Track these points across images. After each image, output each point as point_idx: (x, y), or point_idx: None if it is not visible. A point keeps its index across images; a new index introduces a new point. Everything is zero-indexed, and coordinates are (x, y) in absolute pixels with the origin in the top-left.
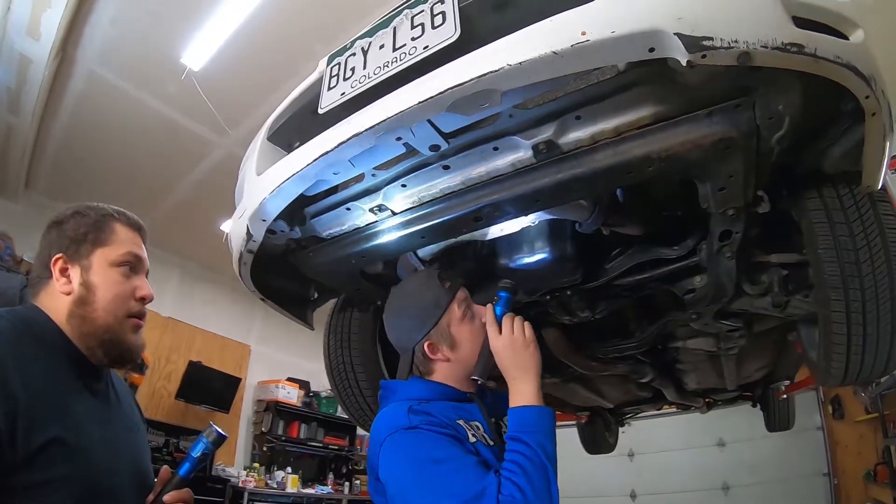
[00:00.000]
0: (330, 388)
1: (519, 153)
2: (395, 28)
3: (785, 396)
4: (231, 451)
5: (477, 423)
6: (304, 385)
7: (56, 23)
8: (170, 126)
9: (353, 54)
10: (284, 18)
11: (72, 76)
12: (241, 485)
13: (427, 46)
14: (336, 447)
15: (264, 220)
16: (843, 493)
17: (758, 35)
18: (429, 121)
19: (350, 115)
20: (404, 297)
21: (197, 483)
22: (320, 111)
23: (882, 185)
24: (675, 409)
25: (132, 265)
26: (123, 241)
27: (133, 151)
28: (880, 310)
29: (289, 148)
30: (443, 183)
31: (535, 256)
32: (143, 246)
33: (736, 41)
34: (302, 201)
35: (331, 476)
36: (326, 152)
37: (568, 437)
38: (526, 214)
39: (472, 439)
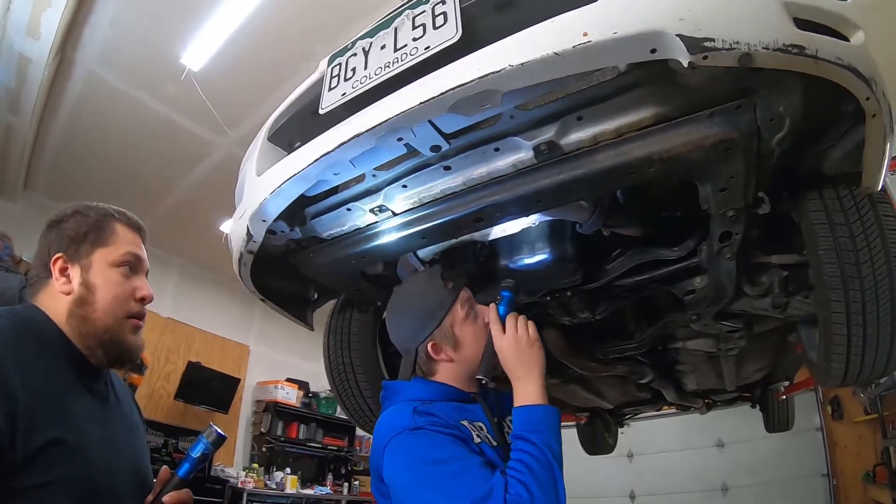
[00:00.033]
0: (329, 388)
1: (520, 154)
2: (396, 28)
3: (784, 397)
4: (230, 451)
5: (480, 424)
6: (303, 386)
7: (56, 23)
8: (169, 126)
9: (355, 55)
10: (284, 18)
11: (71, 76)
12: (240, 485)
13: (428, 47)
14: (335, 448)
15: (264, 221)
16: (841, 493)
17: (759, 36)
18: (430, 121)
19: (351, 115)
20: (407, 298)
21: (196, 483)
22: (321, 111)
23: (882, 187)
24: (674, 410)
25: (132, 265)
26: (124, 242)
27: (132, 152)
28: (880, 311)
29: (289, 148)
30: (444, 184)
31: (535, 257)
32: (142, 246)
33: (737, 42)
34: (302, 202)
35: (330, 477)
36: (327, 153)
37: (567, 438)
38: (527, 215)
39: (477, 440)
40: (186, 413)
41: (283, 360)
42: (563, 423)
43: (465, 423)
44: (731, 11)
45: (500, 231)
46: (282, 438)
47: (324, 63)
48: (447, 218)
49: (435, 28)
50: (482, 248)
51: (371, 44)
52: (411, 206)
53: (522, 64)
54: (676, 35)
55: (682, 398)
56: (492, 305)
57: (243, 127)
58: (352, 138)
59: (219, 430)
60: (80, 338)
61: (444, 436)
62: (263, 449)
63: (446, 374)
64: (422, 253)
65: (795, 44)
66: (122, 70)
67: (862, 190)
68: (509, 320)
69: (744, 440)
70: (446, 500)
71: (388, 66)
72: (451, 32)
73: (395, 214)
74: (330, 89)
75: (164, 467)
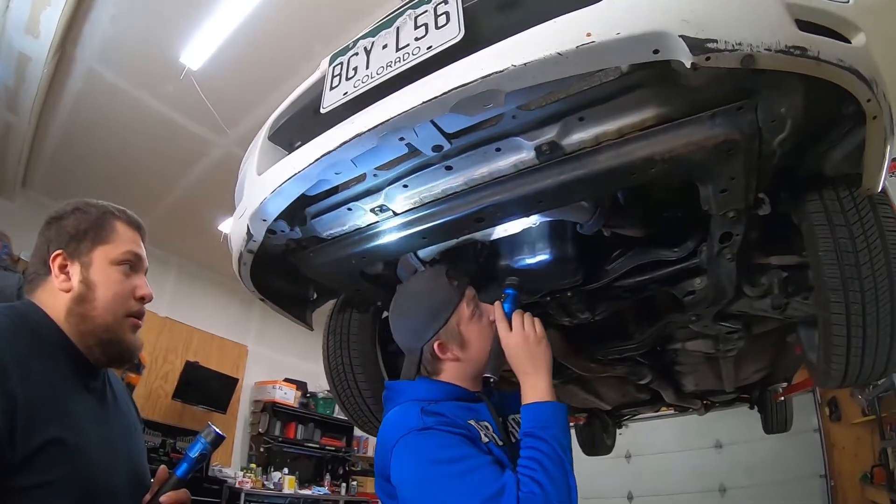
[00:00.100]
0: (328, 388)
1: (521, 154)
2: (398, 28)
3: (782, 398)
4: (228, 451)
5: (486, 424)
6: (301, 386)
7: (55, 20)
8: (169, 125)
9: (356, 54)
10: (284, 18)
11: (71, 74)
12: (237, 485)
13: (431, 47)
14: (333, 448)
15: (265, 220)
16: (839, 494)
17: (761, 38)
18: (432, 121)
19: (352, 114)
20: (412, 297)
21: (194, 483)
22: (322, 111)
23: (882, 188)
24: (672, 411)
25: (132, 264)
26: (124, 240)
27: (131, 150)
28: (880, 312)
29: (290, 147)
30: (445, 183)
31: (535, 257)
32: (142, 245)
33: (740, 44)
34: (303, 201)
35: (327, 477)
36: (328, 152)
37: None
38: (528, 215)
39: (485, 439)
40: (184, 413)
41: (281, 361)
42: None
43: (472, 422)
44: (733, 13)
45: (503, 231)
46: (280, 438)
47: (325, 62)
48: (448, 218)
49: (437, 28)
50: (483, 249)
51: (373, 43)
52: (412, 206)
53: (525, 64)
54: (679, 36)
55: (681, 399)
56: (497, 303)
57: (243, 126)
58: (353, 137)
59: (217, 430)
60: (79, 336)
61: (454, 435)
62: (261, 449)
63: (452, 373)
64: (422, 253)
65: (797, 45)
66: (121, 68)
67: (862, 191)
68: (516, 317)
69: (742, 441)
70: (458, 500)
71: (390, 66)
72: (453, 32)
73: (395, 214)
74: (331, 88)
75: (162, 467)
